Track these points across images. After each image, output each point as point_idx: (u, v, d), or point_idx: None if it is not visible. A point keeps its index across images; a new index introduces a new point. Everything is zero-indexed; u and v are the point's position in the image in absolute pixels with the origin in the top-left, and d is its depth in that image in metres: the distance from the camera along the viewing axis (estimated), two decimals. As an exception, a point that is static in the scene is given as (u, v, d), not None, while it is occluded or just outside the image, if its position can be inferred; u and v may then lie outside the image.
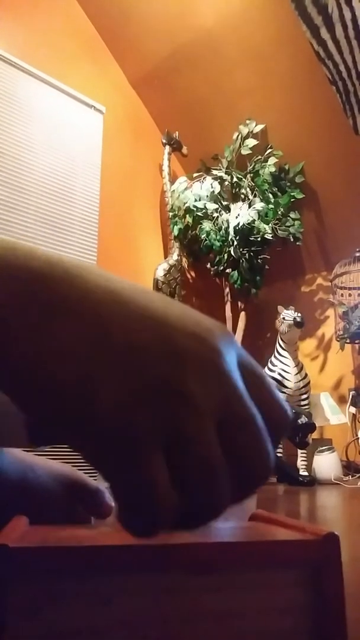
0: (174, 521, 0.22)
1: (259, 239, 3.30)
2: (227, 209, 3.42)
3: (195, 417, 0.21)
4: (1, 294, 0.21)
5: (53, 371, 0.21)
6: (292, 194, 3.39)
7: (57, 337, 0.21)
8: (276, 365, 3.07)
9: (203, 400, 0.22)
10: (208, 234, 3.37)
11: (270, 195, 3.32)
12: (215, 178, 3.44)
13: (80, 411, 0.21)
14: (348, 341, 3.23)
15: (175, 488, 0.21)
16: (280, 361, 3.07)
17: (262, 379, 0.25)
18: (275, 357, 3.10)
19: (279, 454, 2.88)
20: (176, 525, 0.22)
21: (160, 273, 3.32)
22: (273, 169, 3.40)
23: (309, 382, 3.10)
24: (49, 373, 0.21)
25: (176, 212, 3.48)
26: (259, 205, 3.28)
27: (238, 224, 3.27)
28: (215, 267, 3.49)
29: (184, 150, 3.69)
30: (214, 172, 3.50)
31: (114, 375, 0.21)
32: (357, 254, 3.20)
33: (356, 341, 3.25)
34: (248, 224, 3.25)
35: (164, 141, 3.66)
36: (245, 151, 3.44)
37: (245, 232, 3.29)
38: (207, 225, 3.38)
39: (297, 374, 3.05)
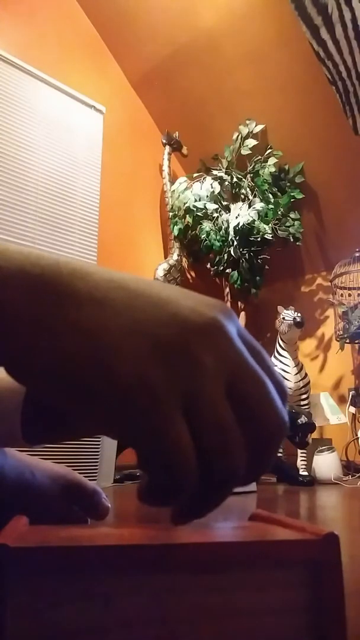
0: (196, 486, 0.23)
1: (259, 239, 3.30)
2: (227, 209, 3.42)
3: (207, 379, 0.23)
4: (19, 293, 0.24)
5: (72, 349, 0.23)
6: (292, 194, 3.39)
7: (72, 324, 0.23)
8: (276, 365, 3.07)
9: (212, 365, 0.23)
10: (208, 234, 3.36)
11: (270, 196, 3.32)
12: (215, 178, 3.44)
13: (101, 379, 0.22)
14: (348, 341, 3.23)
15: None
16: (280, 361, 3.07)
17: (261, 353, 0.27)
18: (275, 357, 3.10)
19: (279, 454, 2.88)
20: (200, 497, 0.24)
21: (160, 273, 3.32)
22: (273, 169, 3.40)
23: (308, 382, 3.10)
24: (69, 351, 0.23)
25: (176, 212, 3.48)
26: (259, 205, 3.28)
27: (238, 224, 3.27)
28: (215, 267, 3.49)
29: (184, 150, 3.69)
30: (214, 172, 3.50)
31: (126, 345, 0.23)
32: (357, 254, 3.20)
33: (356, 341, 3.25)
34: (248, 224, 3.25)
35: (164, 141, 3.65)
36: (245, 151, 3.43)
37: (245, 232, 3.29)
38: (207, 225, 3.38)
39: (297, 373, 3.05)
